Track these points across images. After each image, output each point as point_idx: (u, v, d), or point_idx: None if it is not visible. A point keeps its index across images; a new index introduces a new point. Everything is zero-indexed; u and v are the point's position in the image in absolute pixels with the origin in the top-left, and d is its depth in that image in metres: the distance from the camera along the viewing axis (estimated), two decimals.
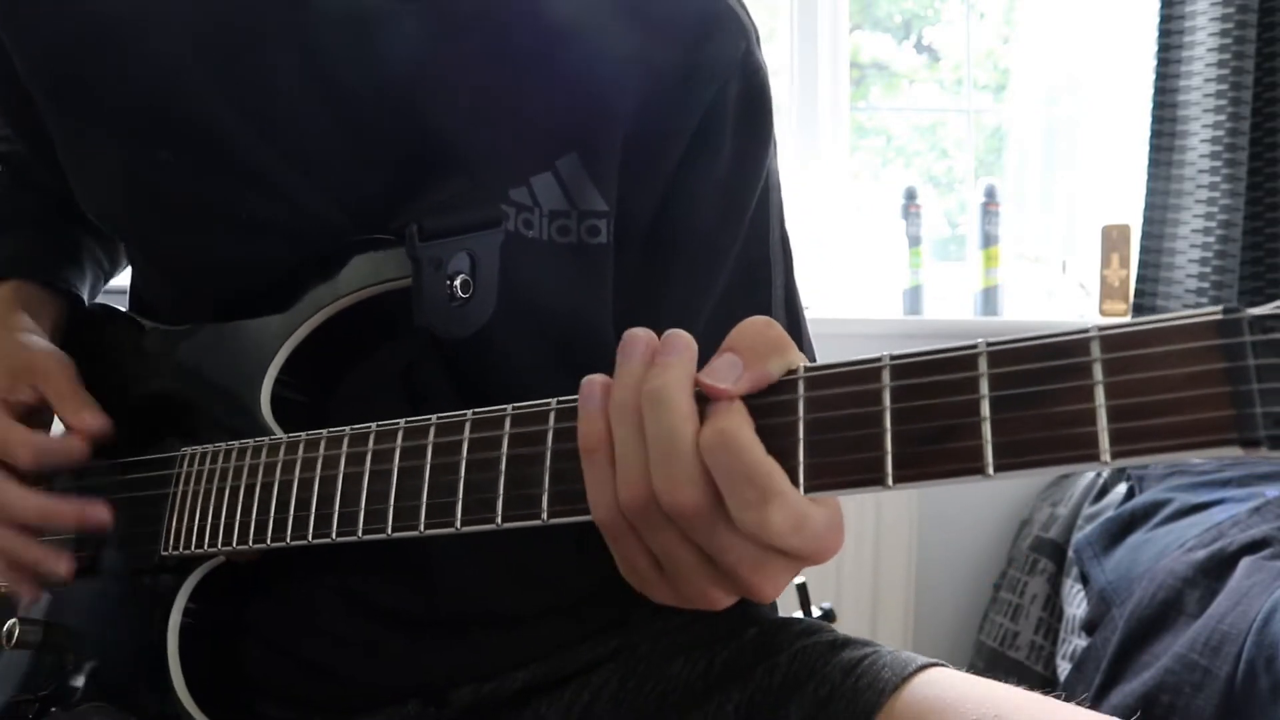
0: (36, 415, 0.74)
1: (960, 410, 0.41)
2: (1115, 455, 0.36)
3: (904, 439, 0.42)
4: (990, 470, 0.40)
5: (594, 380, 0.50)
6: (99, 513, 0.70)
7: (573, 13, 0.70)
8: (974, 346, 0.41)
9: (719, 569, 0.48)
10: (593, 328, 0.72)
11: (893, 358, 0.43)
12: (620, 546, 0.50)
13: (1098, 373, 0.37)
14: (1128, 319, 0.36)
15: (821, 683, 0.67)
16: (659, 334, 0.50)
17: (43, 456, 0.71)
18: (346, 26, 0.68)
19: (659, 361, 0.48)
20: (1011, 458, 0.39)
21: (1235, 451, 0.34)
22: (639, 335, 0.50)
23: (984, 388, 0.40)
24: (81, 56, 0.69)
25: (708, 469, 0.46)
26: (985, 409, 0.40)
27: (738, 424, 0.45)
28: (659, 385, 0.47)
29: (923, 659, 0.67)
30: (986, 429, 0.40)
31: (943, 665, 0.67)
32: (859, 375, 0.44)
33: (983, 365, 0.40)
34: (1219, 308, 0.35)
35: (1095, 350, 0.38)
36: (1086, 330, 0.38)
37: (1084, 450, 0.37)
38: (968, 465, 0.40)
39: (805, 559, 0.47)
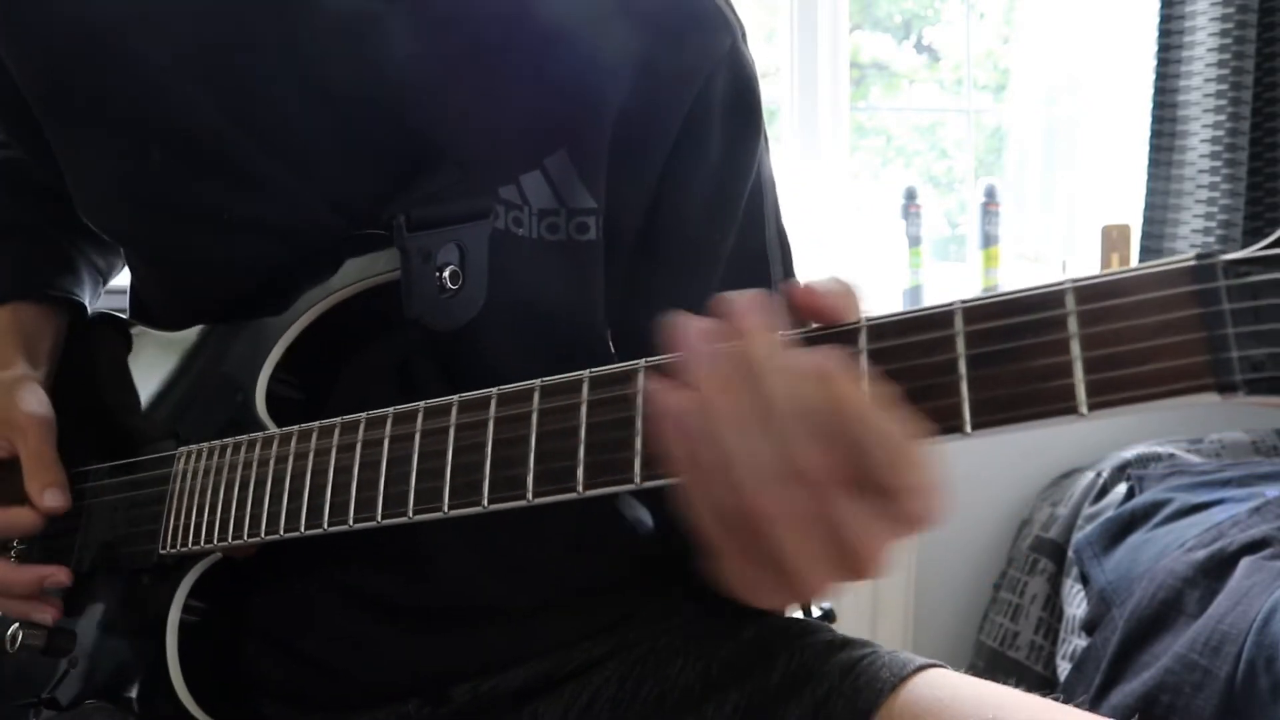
0: (8, 466, 0.74)
1: (937, 370, 0.40)
2: (1092, 407, 0.36)
3: None
4: (968, 428, 0.39)
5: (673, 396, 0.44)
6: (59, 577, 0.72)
7: (559, 10, 0.71)
8: (949, 305, 0.41)
9: (840, 544, 0.42)
10: (584, 324, 0.72)
11: (868, 320, 0.43)
12: (737, 550, 0.44)
13: (1073, 325, 0.37)
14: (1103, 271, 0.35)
15: (820, 682, 0.67)
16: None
17: None
18: (335, 29, 0.68)
19: (769, 364, 0.42)
20: (989, 415, 0.39)
21: (1212, 397, 0.33)
22: (693, 332, 0.44)
23: (960, 346, 0.40)
24: (72, 63, 0.70)
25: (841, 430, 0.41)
26: (962, 367, 0.40)
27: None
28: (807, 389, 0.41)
29: (921, 659, 0.67)
30: (964, 387, 0.39)
31: (941, 666, 0.67)
32: (834, 340, 0.44)
33: (958, 323, 0.40)
34: (1193, 254, 0.34)
35: (1070, 302, 0.37)
36: (1061, 283, 0.38)
37: (1061, 403, 0.37)
38: (945, 424, 0.40)
39: (923, 522, 0.42)
